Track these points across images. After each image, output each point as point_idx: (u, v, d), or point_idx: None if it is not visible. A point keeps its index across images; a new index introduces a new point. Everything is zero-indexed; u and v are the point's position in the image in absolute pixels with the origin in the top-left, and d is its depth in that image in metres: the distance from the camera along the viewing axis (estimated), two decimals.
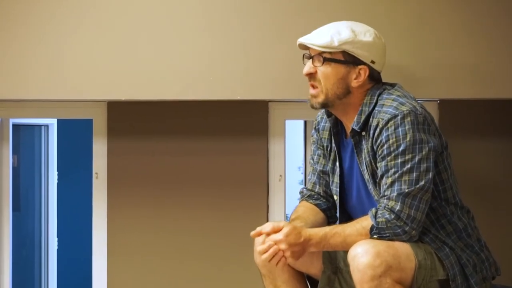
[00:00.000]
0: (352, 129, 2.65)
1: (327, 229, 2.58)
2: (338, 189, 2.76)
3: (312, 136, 2.91)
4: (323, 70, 2.65)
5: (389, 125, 2.55)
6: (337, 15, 3.29)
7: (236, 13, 3.34)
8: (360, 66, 2.63)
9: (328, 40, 2.62)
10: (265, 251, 2.55)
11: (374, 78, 2.68)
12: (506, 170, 3.58)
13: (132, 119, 3.68)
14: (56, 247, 5.34)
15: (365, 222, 2.55)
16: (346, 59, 2.63)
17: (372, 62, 2.64)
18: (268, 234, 2.56)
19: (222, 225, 3.66)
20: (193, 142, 3.67)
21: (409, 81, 3.17)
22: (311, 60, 2.69)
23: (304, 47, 2.74)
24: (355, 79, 2.64)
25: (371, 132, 2.60)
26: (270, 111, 3.65)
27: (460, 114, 3.56)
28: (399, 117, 2.54)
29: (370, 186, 2.66)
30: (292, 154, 4.04)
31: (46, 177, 5.24)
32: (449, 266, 2.54)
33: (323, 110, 2.82)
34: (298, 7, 3.33)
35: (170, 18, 3.35)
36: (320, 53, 2.65)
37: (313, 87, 2.69)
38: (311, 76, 2.69)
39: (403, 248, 2.49)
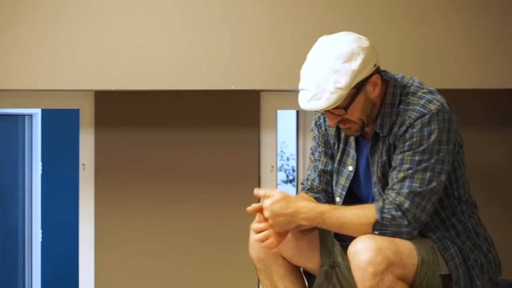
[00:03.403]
0: (374, 131, 2.57)
1: (326, 207, 2.51)
2: (344, 192, 2.66)
3: (312, 131, 2.80)
4: (348, 113, 2.51)
5: (416, 123, 2.48)
6: (331, 8, 3.26)
7: (229, 2, 3.29)
8: (371, 79, 2.51)
9: (336, 96, 2.44)
10: (260, 231, 2.52)
11: (381, 73, 2.58)
12: (505, 160, 3.58)
13: (120, 110, 3.64)
14: (40, 240, 5.27)
15: (369, 213, 2.47)
16: (360, 87, 2.49)
17: (375, 65, 2.52)
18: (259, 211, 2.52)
19: (213, 217, 3.63)
20: (183, 133, 3.63)
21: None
22: (326, 112, 2.53)
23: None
24: (373, 90, 2.53)
25: (395, 129, 2.52)
26: (262, 101, 3.63)
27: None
28: (427, 116, 2.47)
29: (375, 189, 2.59)
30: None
31: (30, 169, 5.17)
32: (453, 268, 2.50)
33: None
34: None
35: (161, 8, 3.30)
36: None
37: (343, 123, 2.56)
38: (339, 122, 2.55)
39: (405, 244, 2.44)
